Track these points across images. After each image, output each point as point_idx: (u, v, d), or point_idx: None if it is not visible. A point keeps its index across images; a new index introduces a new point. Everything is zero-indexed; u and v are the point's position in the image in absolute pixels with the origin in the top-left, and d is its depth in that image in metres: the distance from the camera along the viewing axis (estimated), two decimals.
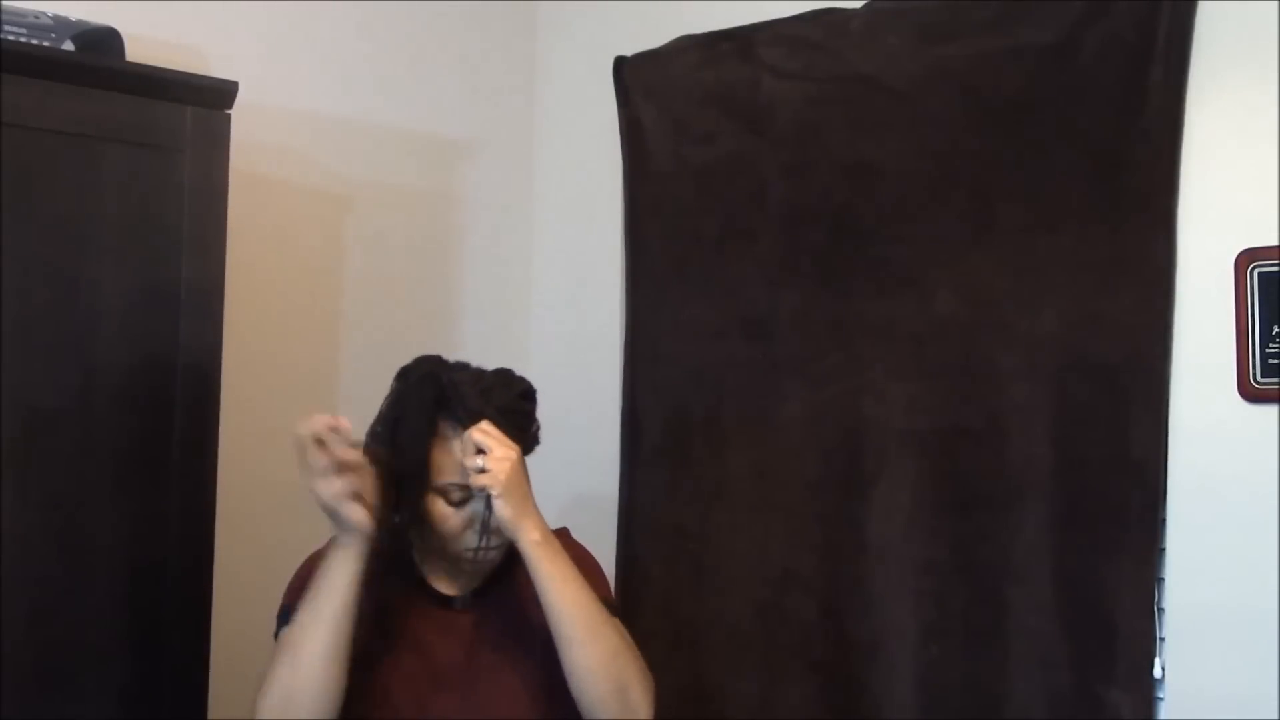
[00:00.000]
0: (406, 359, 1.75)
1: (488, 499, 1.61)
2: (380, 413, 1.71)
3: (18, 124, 1.65)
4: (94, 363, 1.72)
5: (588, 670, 1.61)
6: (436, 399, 1.65)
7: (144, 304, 1.76)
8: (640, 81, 2.53)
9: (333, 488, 1.54)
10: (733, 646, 2.29)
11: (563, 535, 1.80)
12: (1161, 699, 1.88)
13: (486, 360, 1.78)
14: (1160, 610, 1.88)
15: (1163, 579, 1.88)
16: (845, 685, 2.15)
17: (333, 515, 1.56)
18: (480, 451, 1.60)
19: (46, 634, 1.68)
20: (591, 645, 1.61)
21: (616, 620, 1.69)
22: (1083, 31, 1.96)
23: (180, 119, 1.79)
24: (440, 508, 1.66)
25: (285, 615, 1.65)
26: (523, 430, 1.69)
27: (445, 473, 1.65)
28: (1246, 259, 1.82)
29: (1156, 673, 1.87)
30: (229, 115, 1.84)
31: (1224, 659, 1.82)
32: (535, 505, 1.65)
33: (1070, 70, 1.97)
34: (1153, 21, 1.90)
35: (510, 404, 1.68)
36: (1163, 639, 1.87)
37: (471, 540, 1.66)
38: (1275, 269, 1.80)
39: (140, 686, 1.74)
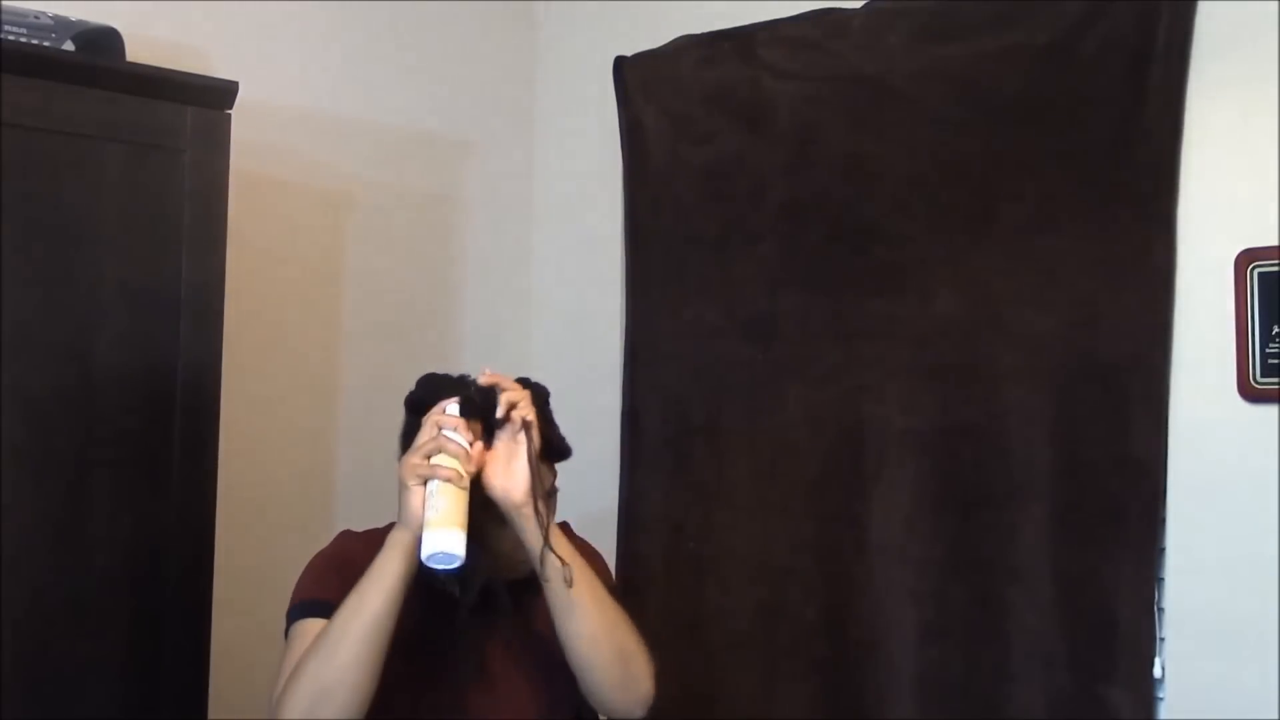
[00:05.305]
0: (406, 359, 1.75)
1: (527, 429, 1.57)
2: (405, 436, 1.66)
3: (18, 124, 1.65)
4: (94, 363, 1.72)
5: (589, 637, 1.58)
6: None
7: (144, 304, 1.76)
8: (640, 81, 2.53)
9: (422, 466, 1.50)
10: (733, 646, 2.29)
11: (565, 529, 1.80)
12: (1161, 699, 1.88)
13: (487, 361, 1.77)
14: (1160, 610, 1.88)
15: (1163, 579, 1.88)
16: (845, 685, 2.15)
17: (403, 496, 1.51)
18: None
19: (46, 634, 1.68)
20: (593, 612, 1.59)
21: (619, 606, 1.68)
22: (1083, 31, 1.96)
23: (180, 119, 1.79)
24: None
25: (304, 610, 1.60)
26: (551, 426, 1.67)
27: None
28: (1246, 259, 1.82)
29: (1156, 673, 1.87)
30: (229, 115, 1.84)
31: (1224, 659, 1.82)
32: None
33: (1070, 70, 1.97)
34: (1153, 21, 1.90)
35: (539, 406, 1.66)
36: (1163, 639, 1.87)
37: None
38: (1275, 269, 1.80)
39: (140, 687, 1.74)
